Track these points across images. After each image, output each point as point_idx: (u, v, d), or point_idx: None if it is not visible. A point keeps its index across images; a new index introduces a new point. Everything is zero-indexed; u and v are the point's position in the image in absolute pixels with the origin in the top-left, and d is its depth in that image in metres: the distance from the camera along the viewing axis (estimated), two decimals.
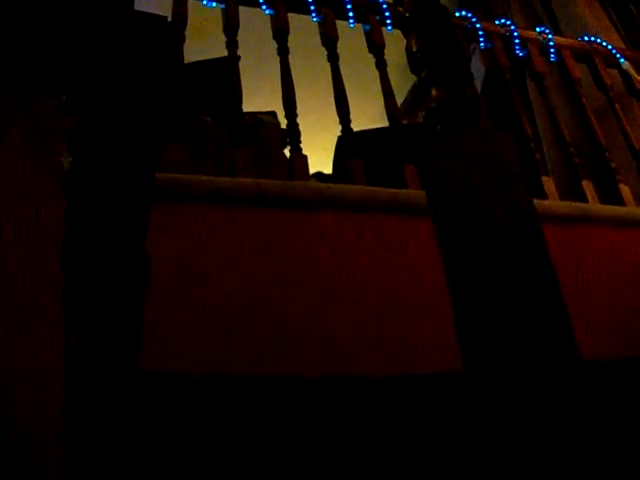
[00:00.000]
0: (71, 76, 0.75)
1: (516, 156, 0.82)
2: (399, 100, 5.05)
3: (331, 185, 2.38)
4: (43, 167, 1.24)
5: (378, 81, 2.94)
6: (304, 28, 3.02)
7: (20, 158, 1.30)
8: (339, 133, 2.73)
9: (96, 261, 0.74)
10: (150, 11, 2.94)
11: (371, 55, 3.03)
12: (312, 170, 2.67)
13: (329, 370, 1.99)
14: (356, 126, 2.76)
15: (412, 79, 1.22)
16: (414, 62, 0.93)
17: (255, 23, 3.02)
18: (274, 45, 2.82)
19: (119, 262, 0.75)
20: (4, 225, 1.24)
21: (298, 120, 2.61)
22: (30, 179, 1.28)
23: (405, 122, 5.05)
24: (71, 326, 0.75)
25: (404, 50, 1.20)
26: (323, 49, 2.92)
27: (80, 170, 0.75)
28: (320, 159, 4.20)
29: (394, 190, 2.41)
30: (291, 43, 2.85)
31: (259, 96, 3.93)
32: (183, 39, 2.56)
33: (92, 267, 0.74)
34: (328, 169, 3.91)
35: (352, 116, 2.74)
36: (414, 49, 0.93)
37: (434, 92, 0.88)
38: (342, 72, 2.84)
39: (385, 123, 3.02)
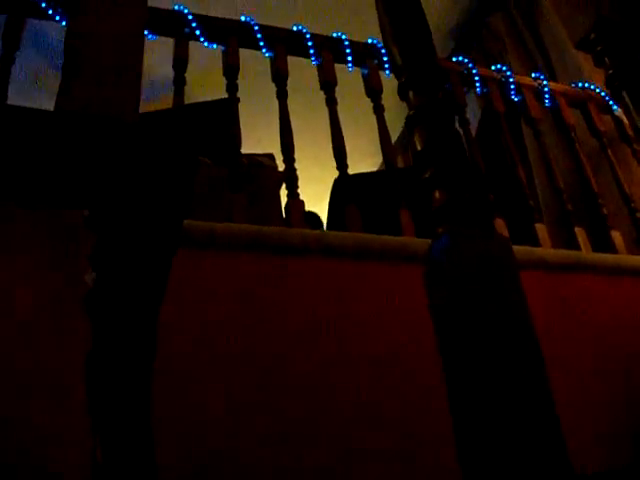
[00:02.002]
0: (93, 190, 0.77)
1: (513, 257, 0.85)
2: (395, 134, 5.11)
3: (327, 233, 2.41)
4: (65, 284, 1.26)
5: (373, 117, 2.99)
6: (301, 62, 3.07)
7: (43, 275, 1.33)
8: (334, 165, 2.75)
9: (122, 380, 0.77)
10: (153, 50, 2.96)
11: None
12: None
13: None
14: (351, 160, 2.78)
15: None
16: (419, 161, 0.96)
17: (253, 59, 3.07)
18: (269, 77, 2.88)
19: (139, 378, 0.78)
20: (27, 344, 1.27)
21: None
22: (52, 297, 1.30)
23: (399, 157, 5.10)
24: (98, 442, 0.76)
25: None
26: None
27: (103, 286, 0.78)
28: (315, 192, 4.24)
29: (389, 237, 2.43)
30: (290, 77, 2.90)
31: (255, 130, 3.97)
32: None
33: (118, 387, 0.76)
34: (323, 202, 3.94)
35: (347, 149, 2.77)
36: (418, 147, 0.96)
37: (437, 195, 0.91)
38: (337, 105, 2.89)
39: (379, 158, 3.05)
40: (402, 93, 1.07)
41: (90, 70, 1.84)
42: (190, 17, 2.84)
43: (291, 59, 2.98)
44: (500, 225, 2.74)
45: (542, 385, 0.76)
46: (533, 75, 3.49)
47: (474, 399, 0.80)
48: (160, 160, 0.78)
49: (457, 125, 3.05)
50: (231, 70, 2.80)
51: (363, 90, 3.09)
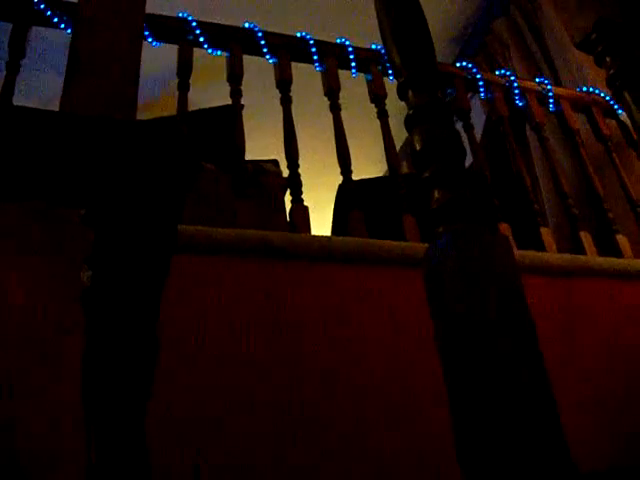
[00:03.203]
0: (91, 188, 0.78)
1: (512, 256, 0.85)
2: (399, 141, 5.10)
3: (332, 237, 2.40)
4: (61, 280, 1.26)
5: (378, 123, 2.99)
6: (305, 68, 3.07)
7: (38, 270, 1.33)
8: (339, 172, 2.75)
9: (117, 378, 0.76)
10: (157, 56, 2.96)
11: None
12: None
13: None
14: (355, 167, 2.79)
15: None
16: (417, 160, 0.96)
17: (256, 65, 3.07)
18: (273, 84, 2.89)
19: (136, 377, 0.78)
20: (21, 340, 1.27)
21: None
22: (48, 292, 1.31)
23: (404, 164, 5.10)
24: (92, 444, 0.76)
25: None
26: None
27: (99, 285, 0.78)
28: (320, 198, 4.24)
29: (393, 242, 2.43)
30: (294, 83, 2.90)
31: (259, 137, 3.97)
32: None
33: (113, 385, 0.76)
34: (327, 208, 3.93)
35: (351, 155, 2.78)
36: (417, 147, 0.96)
37: (437, 194, 0.91)
38: (342, 113, 2.89)
39: (384, 165, 3.05)
40: (401, 93, 1.07)
41: (88, 71, 1.86)
42: (194, 24, 2.85)
43: (295, 65, 2.99)
44: (505, 230, 2.73)
45: (542, 384, 0.76)
46: (537, 80, 3.49)
47: (475, 401, 0.79)
48: (158, 160, 0.78)
49: (461, 130, 3.05)
50: (235, 76, 2.81)
51: (367, 96, 3.10)
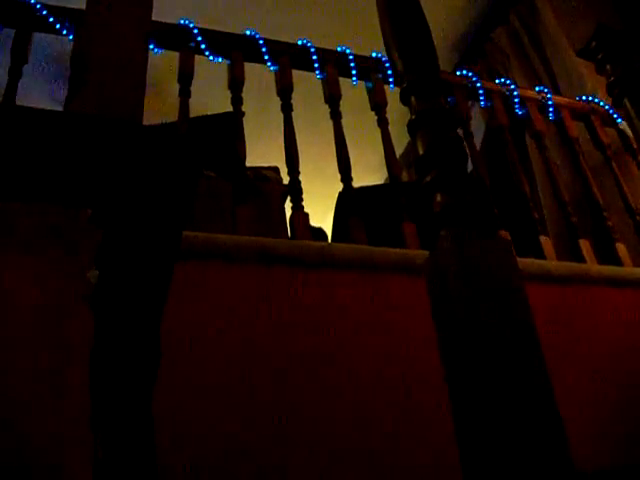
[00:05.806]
0: (98, 189, 0.79)
1: (514, 259, 0.86)
2: (400, 149, 5.11)
3: (332, 244, 2.41)
4: (68, 279, 1.27)
5: (379, 131, 3.00)
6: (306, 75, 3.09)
7: (46, 270, 1.34)
8: (339, 180, 2.76)
9: (124, 374, 0.77)
10: (156, 63, 2.97)
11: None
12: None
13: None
14: (356, 174, 2.79)
15: None
16: (420, 165, 0.97)
17: (256, 70, 3.08)
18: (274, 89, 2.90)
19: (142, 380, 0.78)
20: (28, 336, 1.28)
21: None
22: (55, 291, 1.31)
23: (404, 172, 5.11)
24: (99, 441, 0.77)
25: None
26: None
27: (107, 283, 0.79)
28: (320, 206, 4.24)
29: (393, 250, 2.44)
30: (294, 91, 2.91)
31: (260, 144, 3.98)
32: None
33: (121, 384, 0.77)
34: (327, 216, 3.93)
35: (352, 163, 2.78)
36: (420, 152, 0.97)
37: (439, 198, 0.92)
38: (342, 121, 2.90)
39: (384, 172, 3.06)
40: (404, 99, 1.08)
41: (96, 76, 1.86)
42: (195, 31, 2.86)
43: (296, 73, 3.00)
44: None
45: (544, 386, 0.76)
46: (537, 88, 3.51)
47: (477, 404, 0.80)
48: (165, 161, 0.79)
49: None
50: (236, 83, 2.82)
51: (367, 104, 3.10)
